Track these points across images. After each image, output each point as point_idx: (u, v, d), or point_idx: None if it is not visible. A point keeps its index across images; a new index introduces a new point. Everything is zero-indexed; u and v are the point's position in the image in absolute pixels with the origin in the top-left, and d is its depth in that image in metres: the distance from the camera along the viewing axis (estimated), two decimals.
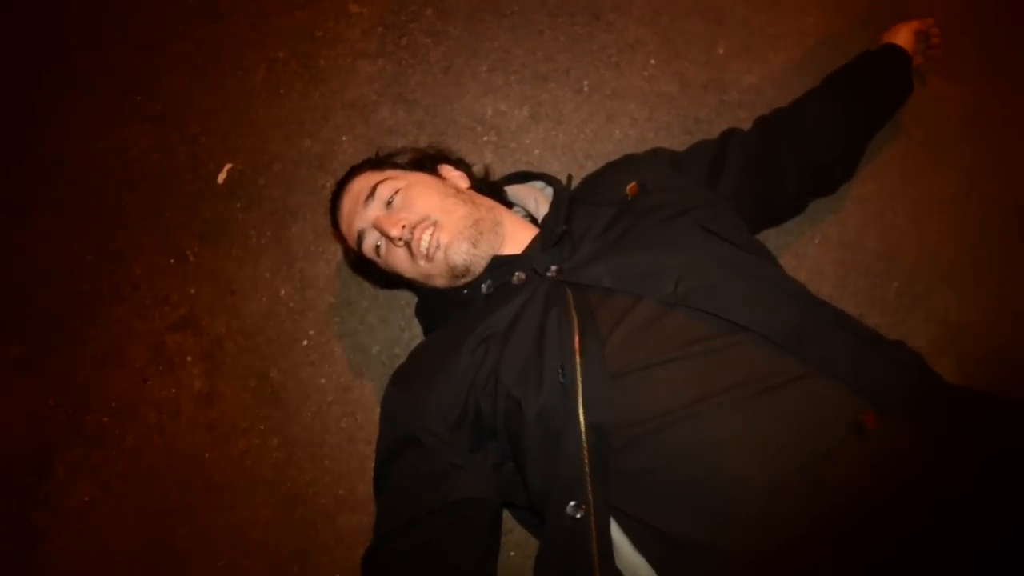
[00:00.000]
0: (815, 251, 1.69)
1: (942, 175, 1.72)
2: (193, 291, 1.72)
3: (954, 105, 1.76)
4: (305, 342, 1.68)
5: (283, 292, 1.71)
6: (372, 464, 1.39)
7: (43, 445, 1.66)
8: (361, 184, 1.45)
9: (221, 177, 1.77)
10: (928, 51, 1.70)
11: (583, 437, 1.13)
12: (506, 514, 1.48)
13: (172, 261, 1.74)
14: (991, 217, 1.69)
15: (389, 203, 1.40)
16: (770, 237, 1.65)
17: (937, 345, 1.63)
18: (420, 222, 1.36)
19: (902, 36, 1.64)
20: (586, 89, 1.79)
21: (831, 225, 1.70)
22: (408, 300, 1.68)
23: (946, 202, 1.70)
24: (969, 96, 1.76)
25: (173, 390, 1.67)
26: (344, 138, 1.77)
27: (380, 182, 1.41)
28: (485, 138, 1.77)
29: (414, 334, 1.66)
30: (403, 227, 1.35)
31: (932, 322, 1.64)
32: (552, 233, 1.38)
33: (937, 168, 1.72)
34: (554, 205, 1.45)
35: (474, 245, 1.36)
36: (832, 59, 1.67)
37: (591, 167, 1.62)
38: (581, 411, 1.13)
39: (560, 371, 1.16)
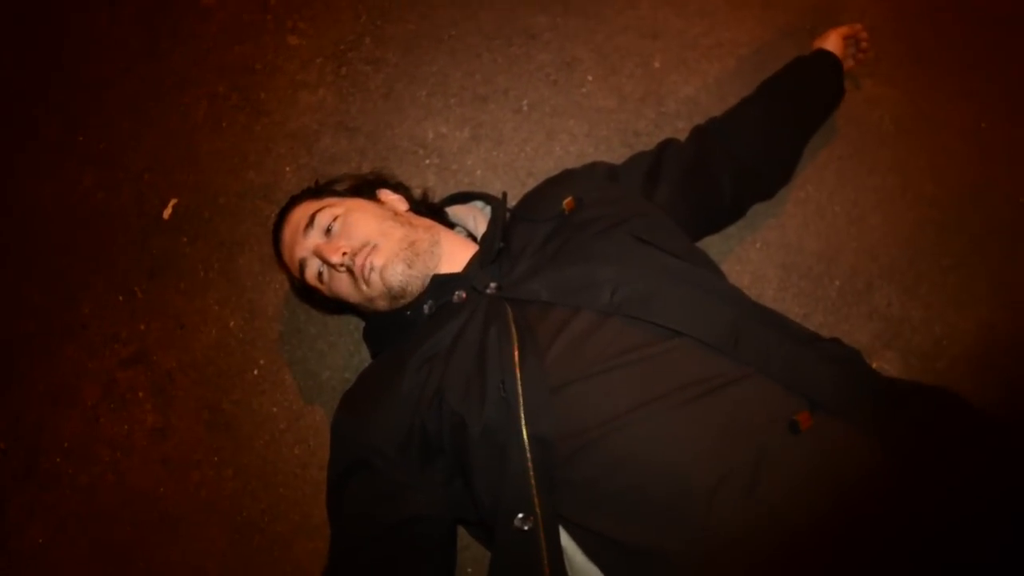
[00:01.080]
0: (757, 255, 1.71)
1: (878, 174, 1.75)
2: (143, 327, 1.73)
3: (887, 106, 1.79)
4: (256, 371, 1.69)
5: (232, 323, 1.71)
6: (326, 489, 1.39)
7: None
8: (300, 213, 1.46)
9: (167, 213, 1.77)
10: (859, 54, 1.74)
11: (527, 450, 1.13)
12: (463, 531, 1.49)
13: (121, 298, 1.74)
14: (928, 212, 1.73)
15: (328, 230, 1.41)
16: (712, 244, 1.67)
17: (880, 339, 1.66)
18: (361, 248, 1.37)
19: (832, 41, 1.68)
20: (525, 108, 1.81)
21: (771, 229, 1.72)
22: (356, 325, 1.69)
23: (883, 200, 1.73)
24: (901, 97, 1.80)
25: (126, 426, 1.67)
26: (287, 168, 1.79)
27: (319, 210, 1.42)
28: (427, 161, 1.79)
29: (363, 358, 1.66)
30: (343, 253, 1.36)
31: (875, 318, 1.67)
32: (490, 250, 1.40)
33: (873, 168, 1.76)
34: (492, 222, 1.46)
35: (409, 266, 1.37)
36: (766, 67, 1.70)
37: (532, 184, 1.64)
38: (524, 424, 1.14)
39: (501, 386, 1.18)
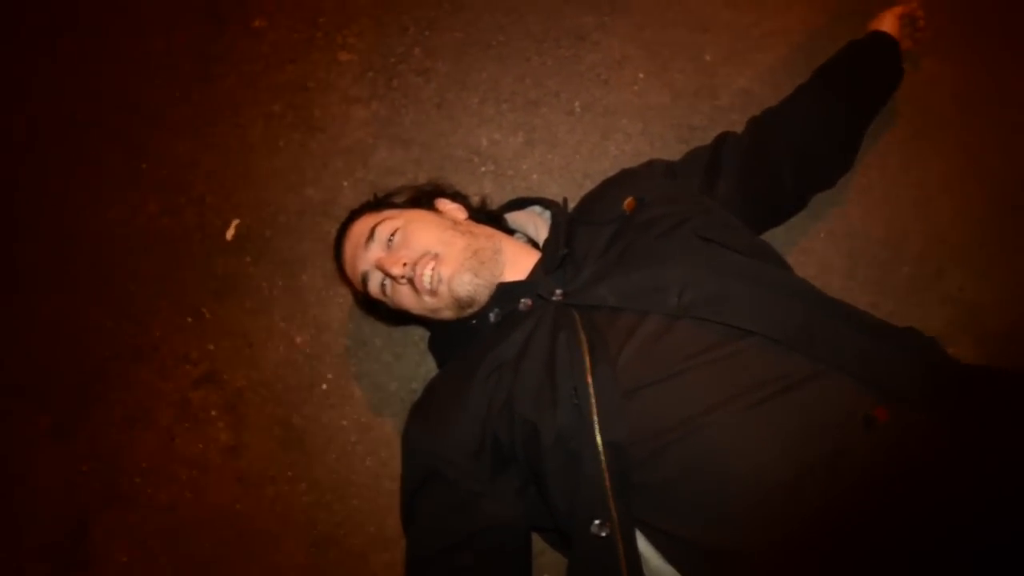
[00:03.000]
0: (822, 246, 1.68)
1: (943, 156, 1.71)
2: (212, 347, 1.76)
3: (948, 85, 1.75)
4: (324, 386, 1.71)
5: (299, 339, 1.74)
6: (399, 500, 1.40)
7: (79, 510, 1.69)
8: (360, 227, 1.47)
9: (229, 234, 1.80)
10: (916, 34, 1.69)
11: (601, 456, 1.13)
12: (537, 537, 1.49)
13: (189, 320, 1.77)
14: (996, 192, 1.68)
15: (389, 242, 1.41)
16: (776, 236, 1.65)
17: (955, 325, 1.62)
18: (420, 258, 1.37)
19: (887, 22, 1.64)
20: (578, 110, 1.81)
21: (836, 218, 1.69)
22: (422, 335, 1.70)
23: (950, 182, 1.69)
24: (962, 75, 1.75)
25: (200, 445, 1.71)
26: (344, 183, 1.80)
27: (379, 223, 1.43)
28: (483, 168, 1.79)
29: (430, 368, 1.67)
30: (404, 265, 1.36)
31: (947, 303, 1.63)
32: (553, 257, 1.39)
33: (937, 150, 1.72)
34: (553, 228, 1.46)
35: (476, 275, 1.38)
36: (820, 53, 1.66)
37: (589, 186, 1.63)
38: (597, 431, 1.14)
39: (573, 393, 1.18)
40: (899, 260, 1.66)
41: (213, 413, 1.72)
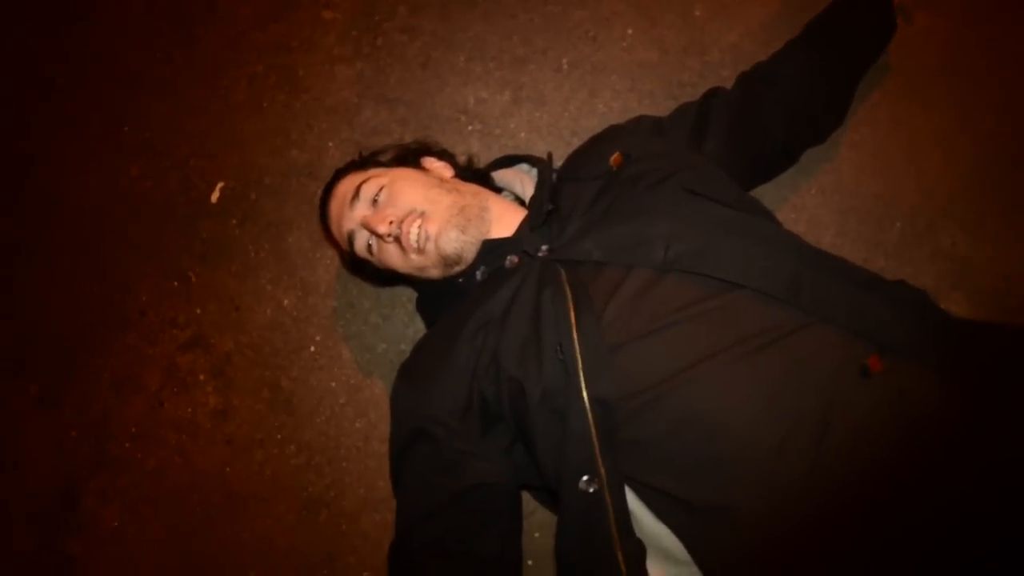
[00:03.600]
0: (813, 202, 1.67)
1: (935, 111, 1.69)
2: (199, 311, 1.75)
3: (942, 39, 1.72)
4: (312, 348, 1.70)
5: (286, 302, 1.73)
6: (388, 461, 1.40)
7: (70, 476, 1.70)
8: (346, 186, 1.46)
9: (214, 196, 1.79)
10: None
11: (588, 412, 1.12)
12: (528, 496, 1.49)
13: (175, 284, 1.76)
14: (990, 147, 1.66)
15: (374, 201, 1.40)
16: (766, 192, 1.63)
17: (946, 280, 1.61)
18: (407, 216, 1.36)
19: None
20: (565, 67, 1.78)
21: (827, 174, 1.67)
22: (409, 296, 1.69)
23: (942, 137, 1.67)
24: (955, 29, 1.72)
25: (189, 409, 1.70)
26: (330, 144, 1.78)
27: (364, 181, 1.42)
28: (470, 127, 1.77)
29: (418, 329, 1.66)
30: (390, 223, 1.35)
31: (939, 258, 1.62)
32: (539, 212, 1.38)
33: (929, 104, 1.69)
34: (539, 185, 1.45)
35: (463, 232, 1.37)
36: (811, 8, 1.63)
37: (578, 144, 1.61)
38: (584, 386, 1.13)
39: (559, 349, 1.16)
40: (890, 216, 1.64)
41: (201, 377, 1.72)
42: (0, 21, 1.93)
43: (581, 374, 1.13)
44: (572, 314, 1.17)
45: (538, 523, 1.55)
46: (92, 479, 1.69)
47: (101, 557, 1.65)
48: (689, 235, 1.21)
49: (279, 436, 1.66)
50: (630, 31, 1.79)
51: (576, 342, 1.15)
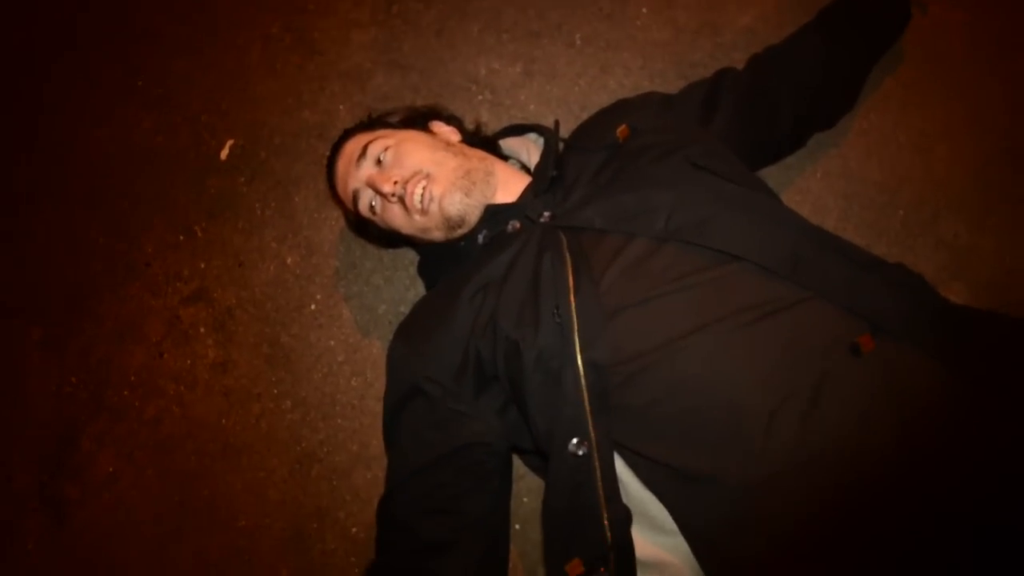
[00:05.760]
0: (817, 186, 1.67)
1: (946, 103, 1.68)
2: (203, 265, 1.77)
3: (956, 31, 1.71)
4: (313, 306, 1.71)
5: (290, 260, 1.74)
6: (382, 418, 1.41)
7: (68, 421, 1.72)
8: (353, 146, 1.47)
9: (224, 153, 1.80)
10: None
11: (582, 375, 1.13)
12: (518, 462, 1.50)
13: (181, 238, 1.78)
14: (1000, 142, 1.65)
15: (379, 161, 1.41)
16: (772, 174, 1.63)
17: (947, 271, 1.60)
18: (412, 176, 1.37)
19: None
20: (579, 43, 1.79)
21: (833, 159, 1.67)
22: (412, 259, 1.70)
23: (951, 130, 1.67)
24: (972, 20, 1.71)
25: (188, 361, 1.72)
26: (341, 107, 1.79)
27: (371, 141, 1.43)
28: (480, 97, 1.78)
29: (419, 292, 1.67)
30: (395, 183, 1.36)
31: (941, 248, 1.62)
32: (543, 179, 1.39)
33: (941, 96, 1.69)
34: (544, 152, 1.45)
35: (467, 195, 1.37)
36: None
37: (586, 118, 1.62)
38: (578, 349, 1.14)
39: (555, 311, 1.17)
40: (895, 204, 1.64)
41: (202, 330, 1.73)
42: None
43: (576, 337, 1.14)
44: (571, 278, 1.18)
45: (527, 487, 1.56)
46: (90, 424, 1.71)
47: (96, 501, 1.67)
48: (691, 207, 1.21)
49: (276, 391, 1.68)
50: (645, 10, 1.79)
51: (573, 305, 1.15)
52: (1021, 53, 1.69)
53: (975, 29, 1.71)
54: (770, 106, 1.51)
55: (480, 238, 1.40)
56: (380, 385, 1.61)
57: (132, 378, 1.72)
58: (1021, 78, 1.68)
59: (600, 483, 1.12)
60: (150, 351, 1.73)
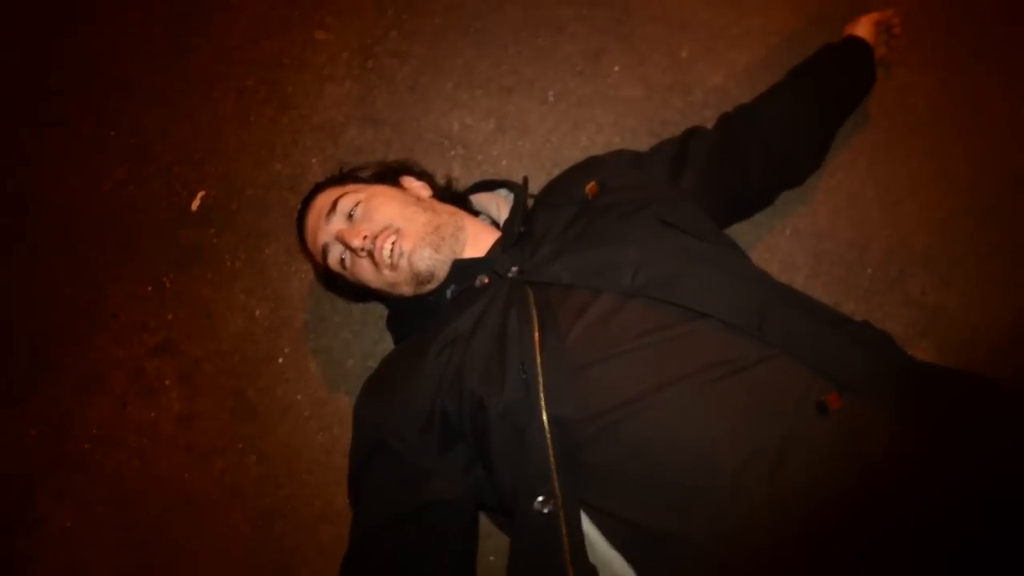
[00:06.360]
0: (786, 243, 1.68)
1: (912, 161, 1.71)
2: (170, 317, 1.75)
3: (921, 92, 1.76)
4: (281, 360, 1.70)
5: (258, 312, 1.73)
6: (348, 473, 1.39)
7: (25, 474, 1.68)
8: (324, 200, 1.47)
9: (195, 205, 1.80)
10: (891, 41, 1.71)
11: (547, 431, 1.12)
12: (485, 520, 1.48)
13: (149, 289, 1.77)
14: (964, 199, 1.68)
15: (350, 216, 1.41)
16: (741, 231, 1.65)
17: (915, 328, 1.62)
18: (382, 231, 1.36)
19: (863, 28, 1.66)
20: (551, 99, 1.81)
21: (802, 216, 1.69)
22: (381, 313, 1.69)
23: (917, 188, 1.70)
24: (935, 83, 1.76)
25: (152, 414, 1.70)
26: (314, 160, 1.80)
27: (341, 196, 1.43)
28: (452, 152, 1.79)
29: (388, 346, 1.66)
30: (364, 237, 1.36)
31: (909, 305, 1.63)
32: (511, 234, 1.39)
33: (907, 155, 1.72)
34: (513, 207, 1.46)
35: (436, 250, 1.37)
36: (796, 56, 1.67)
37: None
38: (543, 405, 1.13)
39: (521, 367, 1.16)
40: (863, 261, 1.66)
41: (167, 382, 1.71)
42: (4, 20, 1.95)
43: (542, 393, 1.13)
44: (536, 333, 1.17)
45: (494, 547, 1.54)
46: (48, 478, 1.68)
47: (52, 557, 1.63)
48: (658, 263, 1.22)
49: (240, 445, 1.66)
50: (616, 68, 1.82)
51: (538, 361, 1.15)
52: (983, 113, 1.73)
53: (938, 90, 1.75)
54: (739, 164, 1.52)
55: (449, 293, 1.40)
56: (347, 441, 1.58)
57: (94, 431, 1.69)
58: (983, 137, 1.72)
59: (566, 541, 1.10)
60: (113, 403, 1.71)
